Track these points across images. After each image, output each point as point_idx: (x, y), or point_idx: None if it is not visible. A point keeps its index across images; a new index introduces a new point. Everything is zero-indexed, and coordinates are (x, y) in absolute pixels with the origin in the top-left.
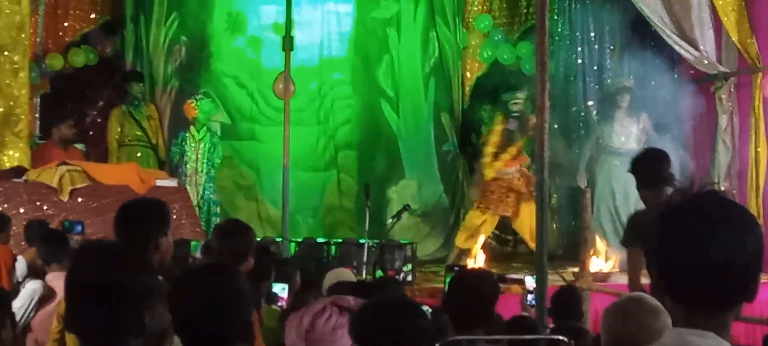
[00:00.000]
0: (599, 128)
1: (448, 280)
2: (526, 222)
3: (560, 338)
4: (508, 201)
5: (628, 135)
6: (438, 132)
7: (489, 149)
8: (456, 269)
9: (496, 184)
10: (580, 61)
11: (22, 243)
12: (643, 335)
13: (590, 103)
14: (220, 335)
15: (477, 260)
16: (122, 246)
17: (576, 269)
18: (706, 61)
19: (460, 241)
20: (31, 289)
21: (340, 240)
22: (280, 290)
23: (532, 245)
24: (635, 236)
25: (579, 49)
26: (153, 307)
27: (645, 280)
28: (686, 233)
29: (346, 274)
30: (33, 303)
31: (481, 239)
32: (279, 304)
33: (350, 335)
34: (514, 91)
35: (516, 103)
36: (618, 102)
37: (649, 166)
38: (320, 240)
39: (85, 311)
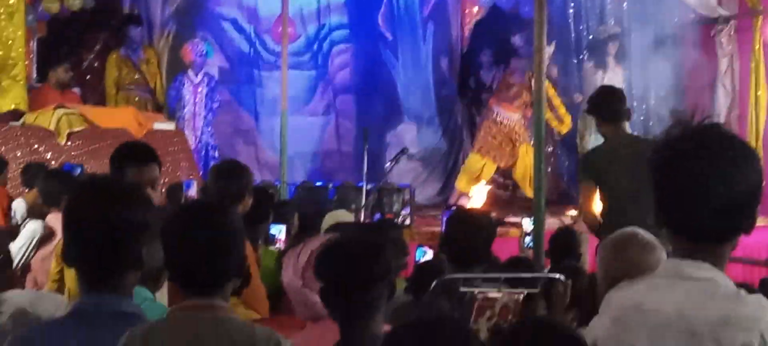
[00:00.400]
0: (590, 76)
1: (445, 221)
2: (524, 170)
3: (556, 275)
4: (506, 150)
5: (617, 82)
6: (437, 76)
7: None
8: (453, 209)
9: (498, 129)
10: (583, 4)
11: (20, 187)
12: (638, 269)
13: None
14: (213, 273)
15: (476, 201)
16: (120, 181)
17: (575, 212)
18: (706, 4)
19: (461, 184)
20: (31, 229)
21: (339, 183)
22: (278, 231)
23: (530, 192)
24: (588, 171)
25: None
26: (150, 242)
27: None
28: (688, 165)
29: (344, 216)
30: (33, 243)
31: (482, 183)
32: (277, 245)
33: (315, 275)
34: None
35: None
36: (608, 50)
37: (607, 102)
38: (318, 184)
39: (83, 246)
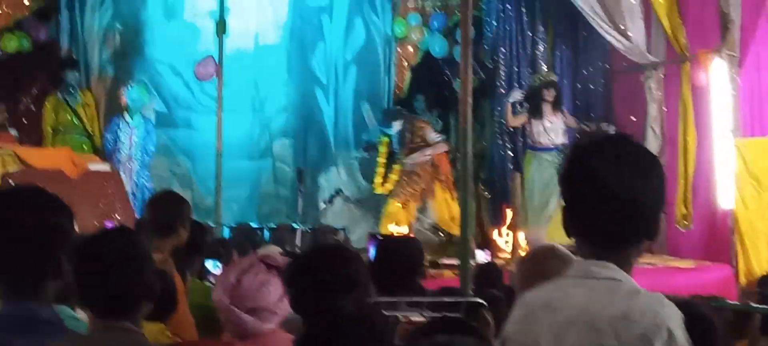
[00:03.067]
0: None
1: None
2: (440, 210)
3: (478, 300)
4: (416, 190)
5: (555, 130)
6: (356, 120)
7: (378, 173)
8: (380, 237)
9: (405, 173)
10: (515, 52)
11: None
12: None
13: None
14: (122, 296)
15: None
16: (40, 189)
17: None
18: (636, 50)
19: (385, 229)
20: None
21: (274, 225)
22: (214, 266)
23: (447, 227)
24: None
25: (510, 39)
26: (69, 252)
27: None
28: (592, 170)
29: (275, 252)
30: None
31: (404, 228)
32: (212, 280)
33: (283, 282)
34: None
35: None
36: (544, 96)
37: None
38: (254, 225)
39: (2, 252)
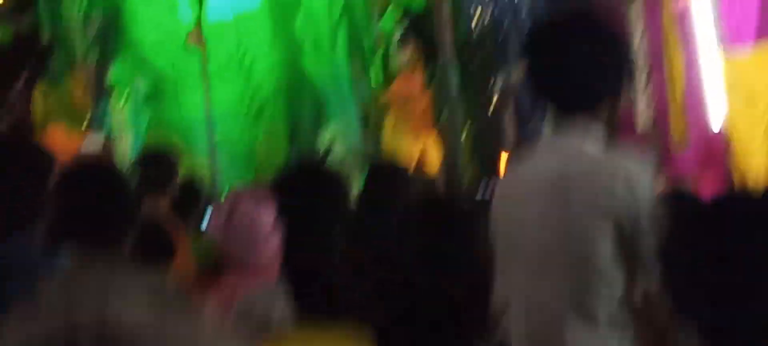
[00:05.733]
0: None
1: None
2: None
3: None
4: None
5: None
6: (354, 77)
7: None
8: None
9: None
10: None
11: None
12: None
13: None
14: (104, 226)
15: None
16: (17, 137)
17: None
18: None
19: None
20: None
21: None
22: None
23: None
24: None
25: None
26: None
27: None
28: (552, 38)
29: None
30: None
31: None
32: None
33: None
34: None
35: None
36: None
37: None
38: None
39: None
